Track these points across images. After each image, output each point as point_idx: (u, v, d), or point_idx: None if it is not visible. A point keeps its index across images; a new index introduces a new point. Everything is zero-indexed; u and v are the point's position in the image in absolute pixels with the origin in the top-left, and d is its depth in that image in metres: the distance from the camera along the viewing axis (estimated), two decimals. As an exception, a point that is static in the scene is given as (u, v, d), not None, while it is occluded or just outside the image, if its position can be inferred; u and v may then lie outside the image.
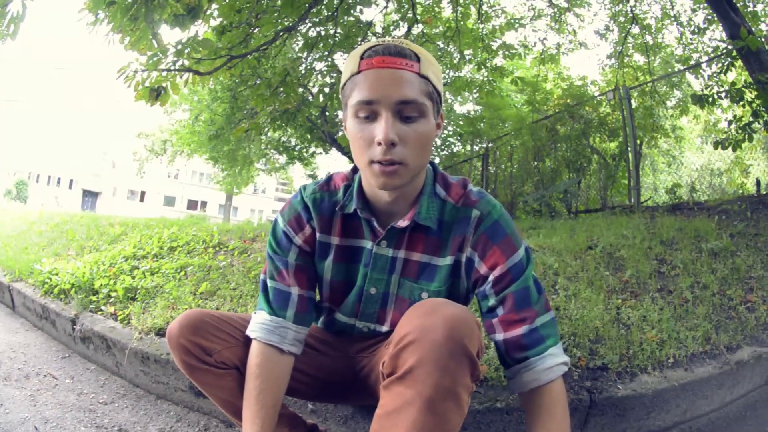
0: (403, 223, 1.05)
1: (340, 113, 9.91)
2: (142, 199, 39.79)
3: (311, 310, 1.17)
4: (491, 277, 1.04)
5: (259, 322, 1.11)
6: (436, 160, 11.54)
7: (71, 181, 38.54)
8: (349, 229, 1.12)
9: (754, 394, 1.89)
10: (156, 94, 3.33)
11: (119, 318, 2.28)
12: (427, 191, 1.07)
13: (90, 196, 38.57)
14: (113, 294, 2.53)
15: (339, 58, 7.71)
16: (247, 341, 1.12)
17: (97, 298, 2.51)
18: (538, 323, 1.02)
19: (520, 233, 1.09)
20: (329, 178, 1.17)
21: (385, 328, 1.16)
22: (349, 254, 1.14)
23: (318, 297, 1.23)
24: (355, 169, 1.14)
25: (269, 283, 1.15)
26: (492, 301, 1.05)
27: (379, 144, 0.92)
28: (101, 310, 2.40)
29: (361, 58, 0.96)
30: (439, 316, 0.83)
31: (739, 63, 4.68)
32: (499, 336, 1.04)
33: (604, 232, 3.66)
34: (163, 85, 3.51)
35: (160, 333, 2.06)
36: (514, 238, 1.05)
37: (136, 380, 2.01)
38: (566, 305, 2.20)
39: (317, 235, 1.13)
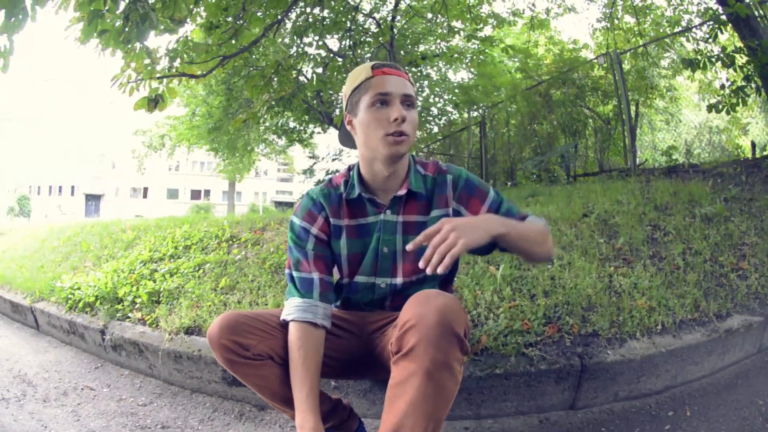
0: (401, 192, 1.37)
1: (335, 94, 9.91)
2: (145, 196, 39.87)
3: (332, 289, 1.42)
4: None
5: (293, 306, 1.34)
6: (435, 129, 11.72)
7: (73, 187, 38.59)
8: (355, 211, 1.42)
9: (747, 362, 1.98)
10: (154, 102, 3.42)
11: (147, 322, 2.43)
12: (412, 170, 1.41)
13: (93, 199, 38.66)
14: (138, 300, 2.67)
15: (329, 40, 7.73)
16: (277, 333, 1.33)
17: (123, 306, 2.64)
18: (531, 218, 1.35)
19: (485, 182, 1.43)
20: (330, 180, 1.48)
21: (398, 280, 1.41)
22: (358, 230, 1.42)
23: (336, 279, 1.48)
24: (350, 168, 1.45)
25: (294, 274, 1.39)
26: None
27: (395, 120, 1.27)
28: (128, 317, 2.54)
29: (372, 68, 1.33)
30: (431, 305, 1.07)
31: (730, 26, 4.66)
32: None
33: (600, 198, 3.75)
34: (160, 92, 3.60)
35: (189, 332, 2.21)
36: (483, 187, 1.41)
37: (170, 378, 2.17)
38: (561, 275, 2.33)
39: (330, 220, 1.41)
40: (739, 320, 1.94)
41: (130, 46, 2.75)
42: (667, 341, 1.78)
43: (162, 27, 2.91)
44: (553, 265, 2.47)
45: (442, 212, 1.38)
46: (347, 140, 1.48)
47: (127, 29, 2.60)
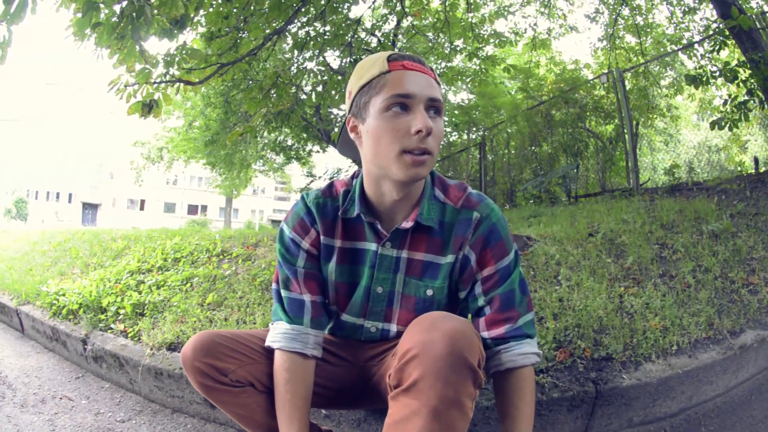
0: (406, 224, 1.12)
1: (334, 110, 9.91)
2: (142, 208, 39.78)
3: (324, 314, 1.24)
4: (480, 277, 1.15)
5: (280, 332, 1.17)
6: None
7: (70, 195, 38.54)
8: (351, 232, 1.19)
9: (760, 377, 1.90)
10: (148, 108, 3.34)
11: (129, 335, 2.30)
12: (427, 194, 1.14)
13: (90, 208, 38.58)
14: (122, 311, 2.55)
15: (330, 56, 7.73)
16: (260, 358, 1.17)
17: (106, 316, 2.53)
18: (520, 323, 1.14)
19: (512, 238, 1.18)
20: (330, 185, 1.23)
21: (393, 327, 1.22)
22: (351, 256, 1.20)
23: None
24: (354, 176, 1.21)
25: (283, 293, 1.21)
26: (480, 302, 1.15)
27: (418, 132, 0.99)
28: (111, 328, 2.42)
29: (389, 60, 1.04)
30: (439, 330, 0.90)
31: (731, 41, 4.67)
32: (485, 333, 1.14)
33: (605, 218, 3.68)
34: (155, 98, 3.52)
35: (171, 348, 2.08)
36: (507, 243, 1.15)
37: (151, 396, 2.04)
38: (569, 296, 2.22)
39: (321, 238, 1.19)
40: (753, 335, 1.86)
41: (123, 42, 2.67)
42: (683, 362, 1.67)
43: (158, 26, 2.84)
44: (560, 286, 2.36)
45: (453, 258, 1.15)
46: (349, 149, 1.23)
47: (121, 24, 2.52)
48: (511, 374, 1.10)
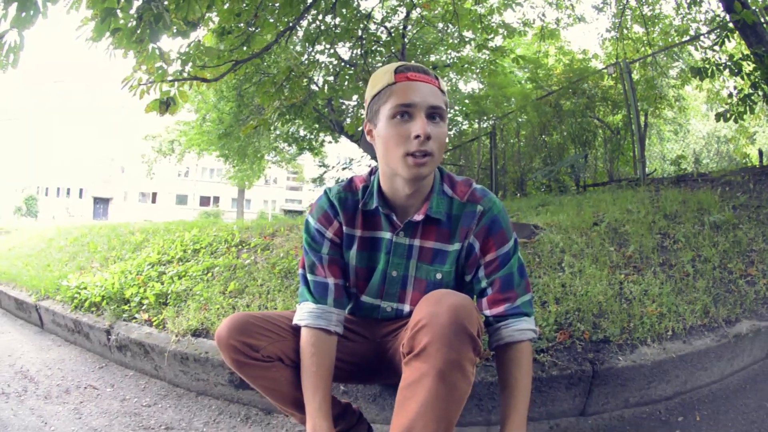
0: (417, 217, 1.27)
1: (346, 101, 9.97)
2: (153, 201, 40.12)
3: (345, 294, 1.38)
4: (483, 262, 1.30)
5: (306, 312, 1.31)
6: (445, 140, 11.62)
7: (81, 190, 38.91)
8: (370, 223, 1.34)
9: (755, 367, 1.97)
10: (166, 105, 3.45)
11: (154, 323, 2.43)
12: (436, 190, 1.30)
13: (101, 203, 39.01)
14: (145, 301, 2.67)
15: (340, 47, 7.79)
16: (288, 336, 1.31)
17: (129, 306, 2.65)
18: (518, 302, 1.28)
19: (512, 227, 1.33)
20: (350, 180, 1.39)
21: (406, 307, 1.36)
22: (370, 244, 1.35)
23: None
24: (371, 172, 1.36)
25: (309, 276, 1.36)
26: (483, 284, 1.30)
27: (417, 137, 1.15)
28: (135, 318, 2.54)
29: (396, 72, 1.19)
30: (444, 304, 1.05)
31: (737, 33, 4.66)
32: (487, 311, 1.29)
33: (610, 207, 3.75)
34: (171, 95, 3.63)
35: (196, 334, 2.21)
36: (507, 232, 1.30)
37: (175, 380, 2.16)
38: (572, 282, 2.32)
39: (344, 228, 1.34)
40: (748, 325, 1.93)
41: (142, 46, 2.77)
42: (678, 347, 1.77)
43: (175, 29, 2.93)
44: (564, 272, 2.46)
45: (459, 245, 1.30)
46: (369, 148, 1.41)
47: (139, 29, 2.62)
48: (510, 348, 1.24)
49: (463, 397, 1.04)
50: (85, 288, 2.93)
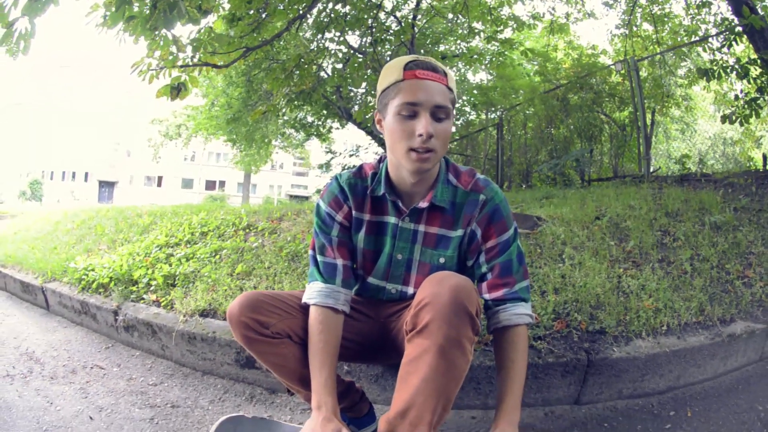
0: (423, 204, 1.34)
1: (354, 90, 9.97)
2: (159, 184, 40.24)
3: (353, 275, 1.44)
4: (484, 248, 1.36)
5: (315, 291, 1.37)
6: (452, 129, 11.61)
7: (86, 174, 39.10)
8: (377, 208, 1.40)
9: (749, 369, 2.00)
10: (177, 90, 3.49)
11: (162, 304, 2.48)
12: (441, 179, 1.35)
13: (106, 186, 39.17)
14: (153, 282, 2.72)
15: (350, 36, 7.78)
16: (297, 314, 1.37)
17: (137, 287, 2.70)
18: (516, 288, 1.34)
19: (512, 216, 1.39)
20: (360, 168, 1.45)
21: (410, 289, 1.42)
22: (377, 228, 1.41)
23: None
24: (380, 160, 1.42)
25: (319, 258, 1.42)
26: (483, 269, 1.36)
27: (420, 135, 1.20)
28: (143, 298, 2.59)
29: (405, 69, 1.24)
30: (445, 285, 1.11)
31: (745, 37, 4.65)
32: (486, 295, 1.35)
33: (613, 203, 3.77)
34: (182, 80, 3.67)
35: (204, 314, 2.27)
36: (507, 221, 1.36)
37: (182, 360, 2.22)
38: (571, 273, 2.36)
39: (353, 212, 1.40)
40: (742, 326, 1.97)
41: (157, 33, 2.81)
42: (672, 342, 1.81)
43: (188, 16, 2.96)
44: (564, 263, 2.50)
45: (462, 232, 1.36)
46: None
47: (153, 17, 2.65)
48: (507, 331, 1.30)
49: (462, 374, 1.10)
50: (93, 270, 2.96)
